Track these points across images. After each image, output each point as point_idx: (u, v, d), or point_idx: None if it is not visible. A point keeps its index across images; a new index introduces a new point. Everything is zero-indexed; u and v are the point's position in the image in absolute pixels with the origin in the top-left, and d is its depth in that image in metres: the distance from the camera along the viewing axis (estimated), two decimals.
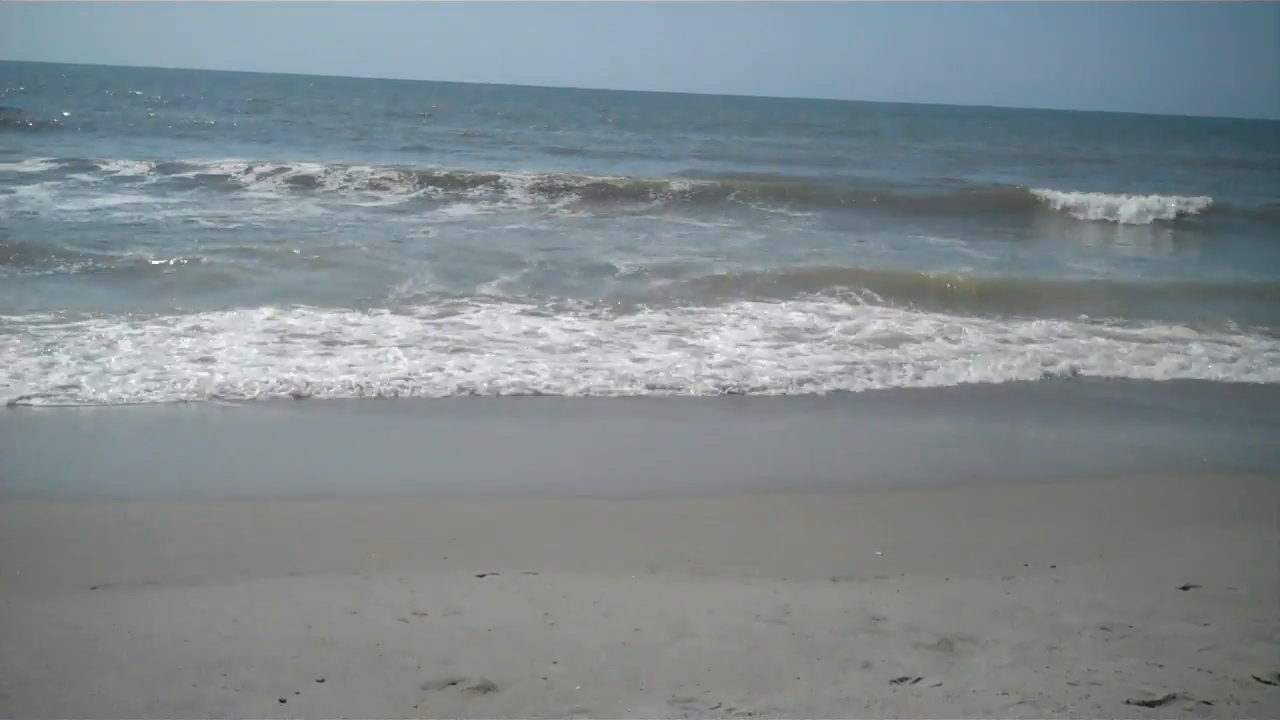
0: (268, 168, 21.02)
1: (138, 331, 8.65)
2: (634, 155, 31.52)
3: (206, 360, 7.99)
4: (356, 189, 20.16)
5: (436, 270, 12.18)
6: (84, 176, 19.45)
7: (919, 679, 3.37)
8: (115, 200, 17.00)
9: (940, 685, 3.32)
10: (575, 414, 7.55)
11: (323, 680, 3.31)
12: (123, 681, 3.25)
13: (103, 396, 7.07)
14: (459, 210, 18.62)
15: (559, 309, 10.54)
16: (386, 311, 9.96)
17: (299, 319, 9.45)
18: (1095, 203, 21.87)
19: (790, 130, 52.15)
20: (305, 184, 20.28)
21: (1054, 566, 4.71)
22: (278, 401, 7.29)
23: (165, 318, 9.17)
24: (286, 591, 4.16)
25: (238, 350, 8.33)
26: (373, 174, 21.06)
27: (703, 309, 10.85)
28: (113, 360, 7.81)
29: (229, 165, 21.11)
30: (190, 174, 20.39)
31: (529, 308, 10.49)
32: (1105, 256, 17.28)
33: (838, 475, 6.47)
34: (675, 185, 21.48)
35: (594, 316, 10.31)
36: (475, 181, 21.25)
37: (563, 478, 6.26)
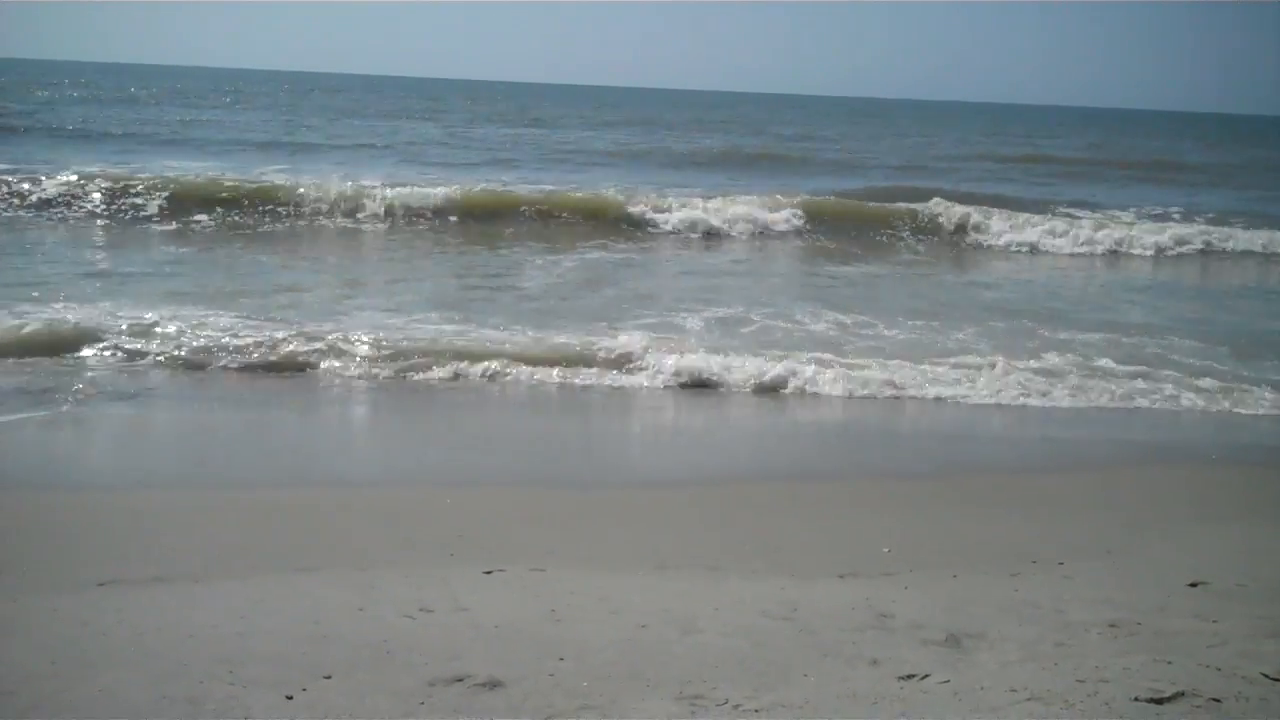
0: None
1: None
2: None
3: None
4: None
5: None
6: None
7: (927, 676, 3.36)
8: None
9: (948, 682, 3.32)
10: (582, 407, 7.55)
11: (329, 676, 3.31)
12: (130, 677, 3.26)
13: None
14: None
15: None
16: None
17: None
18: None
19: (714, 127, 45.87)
20: None
21: (1062, 563, 4.70)
22: (282, 395, 7.29)
23: None
24: (293, 588, 4.16)
25: None
26: None
27: None
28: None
29: None
30: None
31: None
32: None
33: (845, 471, 6.46)
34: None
35: None
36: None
37: (570, 473, 6.25)
